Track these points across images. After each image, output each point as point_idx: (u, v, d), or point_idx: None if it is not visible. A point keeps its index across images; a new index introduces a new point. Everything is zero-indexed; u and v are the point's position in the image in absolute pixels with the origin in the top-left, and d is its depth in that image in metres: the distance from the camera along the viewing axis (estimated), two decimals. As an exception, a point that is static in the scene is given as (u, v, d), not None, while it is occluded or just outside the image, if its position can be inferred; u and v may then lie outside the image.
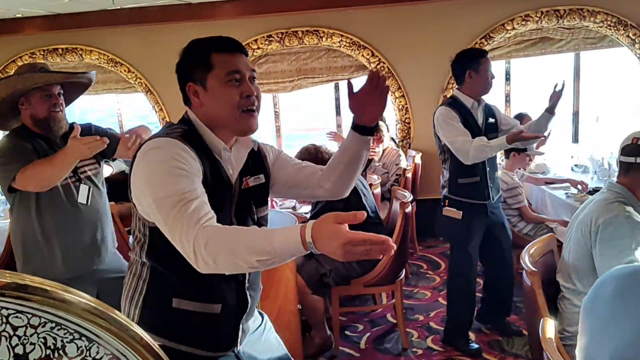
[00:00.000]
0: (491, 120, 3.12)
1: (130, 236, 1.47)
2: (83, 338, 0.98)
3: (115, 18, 5.45)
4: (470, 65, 3.00)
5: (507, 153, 4.03)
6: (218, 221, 1.23)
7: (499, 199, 3.24)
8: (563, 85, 3.02)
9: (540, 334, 1.46)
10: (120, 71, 5.76)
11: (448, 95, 5.26)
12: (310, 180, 1.62)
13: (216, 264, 1.15)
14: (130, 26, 5.56)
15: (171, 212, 1.21)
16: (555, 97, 3.02)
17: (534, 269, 1.93)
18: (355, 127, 1.52)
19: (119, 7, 5.28)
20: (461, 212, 3.05)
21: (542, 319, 1.51)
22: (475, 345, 3.18)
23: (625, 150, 2.01)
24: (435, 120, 3.08)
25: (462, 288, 3.19)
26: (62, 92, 2.31)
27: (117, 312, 1.03)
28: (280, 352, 1.65)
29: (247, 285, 1.46)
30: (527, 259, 2.01)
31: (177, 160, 1.28)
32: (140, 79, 5.70)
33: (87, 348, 0.99)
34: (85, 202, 2.36)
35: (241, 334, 1.49)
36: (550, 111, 3.04)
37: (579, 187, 3.86)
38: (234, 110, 1.36)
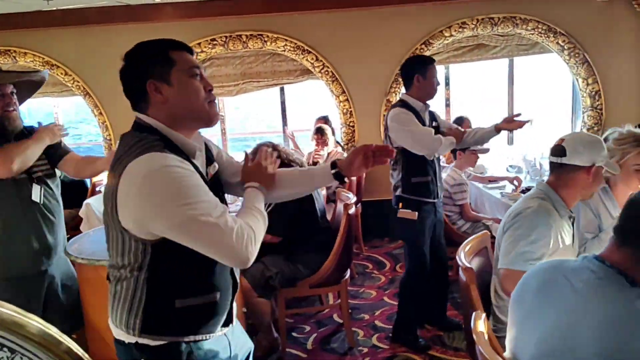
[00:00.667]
0: (434, 124, 3.26)
1: (113, 257, 1.44)
2: (5, 349, 0.96)
3: (51, 19, 5.24)
4: (418, 70, 3.12)
5: (454, 153, 4.18)
6: None
7: (441, 198, 3.37)
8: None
9: (472, 327, 1.53)
10: (57, 74, 5.54)
11: (391, 99, 5.42)
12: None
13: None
14: (66, 28, 5.37)
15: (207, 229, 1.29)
16: (514, 125, 3.18)
17: (468, 265, 2.01)
18: (337, 173, 1.65)
19: (54, 8, 5.09)
20: (416, 212, 3.14)
21: (474, 313, 1.58)
22: (423, 342, 3.26)
23: (553, 151, 2.10)
24: (389, 120, 3.16)
25: (416, 286, 3.27)
26: (14, 91, 2.30)
27: (40, 320, 1.01)
28: (245, 336, 1.74)
29: (233, 268, 1.55)
30: (462, 255, 2.09)
31: (183, 175, 1.31)
32: (78, 82, 5.52)
33: (10, 359, 0.96)
34: (38, 201, 2.37)
35: (234, 310, 1.58)
36: (498, 130, 3.21)
37: (515, 182, 4.15)
38: (202, 102, 1.41)
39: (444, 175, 3.77)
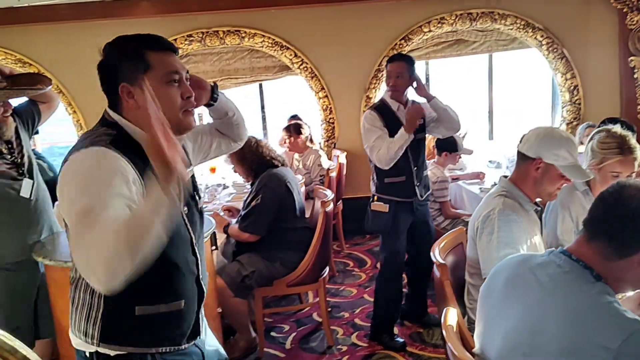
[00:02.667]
0: (419, 121, 3.19)
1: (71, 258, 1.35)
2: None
3: (23, 16, 5.11)
4: (385, 68, 3.11)
5: (440, 152, 4.16)
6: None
7: (428, 197, 3.33)
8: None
9: (442, 322, 1.51)
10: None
11: (370, 96, 5.40)
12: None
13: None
14: (39, 24, 5.24)
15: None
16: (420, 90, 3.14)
17: (442, 261, 1.99)
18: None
19: (26, 5, 4.97)
20: (387, 205, 3.14)
21: (445, 308, 1.56)
22: (401, 340, 3.24)
23: (520, 140, 2.08)
24: (361, 126, 3.18)
25: (390, 283, 3.25)
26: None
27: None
28: (217, 344, 1.69)
29: (200, 276, 1.47)
30: (437, 251, 2.07)
31: (108, 183, 1.15)
32: (51, 80, 5.39)
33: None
34: (27, 197, 2.40)
35: (201, 322, 1.51)
36: (428, 100, 3.15)
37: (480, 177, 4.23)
38: (176, 111, 1.32)
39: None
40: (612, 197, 1.23)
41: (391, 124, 3.08)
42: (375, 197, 3.21)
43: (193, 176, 1.53)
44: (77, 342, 1.37)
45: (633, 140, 2.19)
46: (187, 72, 1.38)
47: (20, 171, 2.41)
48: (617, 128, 2.25)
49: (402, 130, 2.98)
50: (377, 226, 3.28)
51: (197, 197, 1.51)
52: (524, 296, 1.25)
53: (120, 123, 1.32)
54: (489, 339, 1.32)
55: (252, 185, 3.26)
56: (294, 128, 4.93)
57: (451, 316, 1.52)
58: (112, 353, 1.32)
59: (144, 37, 1.34)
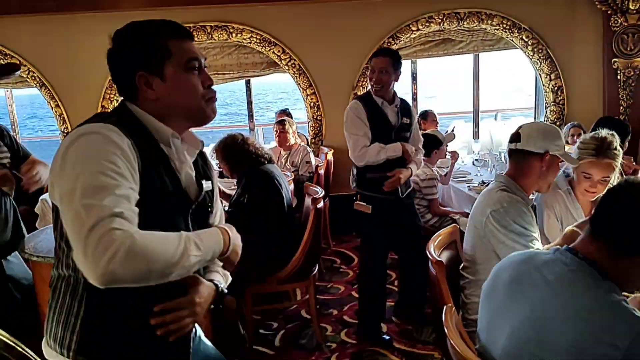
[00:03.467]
0: (405, 120, 3.18)
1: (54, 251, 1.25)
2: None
3: (5, 6, 4.99)
4: (368, 64, 3.09)
5: (429, 152, 4.17)
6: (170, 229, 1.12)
7: (411, 194, 3.33)
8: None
9: (442, 321, 1.50)
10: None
11: (358, 93, 5.40)
12: None
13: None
14: (21, 15, 5.13)
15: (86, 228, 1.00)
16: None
17: (438, 258, 1.99)
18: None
19: (8, -5, 4.86)
20: (370, 206, 3.09)
21: (444, 306, 1.55)
22: (387, 337, 3.25)
23: (510, 138, 2.11)
24: (345, 113, 3.13)
25: (372, 281, 3.25)
26: None
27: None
28: (213, 349, 1.63)
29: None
30: (432, 248, 2.07)
31: (110, 160, 1.08)
32: (34, 72, 5.27)
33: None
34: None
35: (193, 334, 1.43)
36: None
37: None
38: (198, 100, 1.26)
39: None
40: (617, 195, 1.23)
41: (375, 117, 3.06)
42: (359, 196, 3.17)
43: (210, 192, 1.42)
44: (50, 352, 1.23)
45: (614, 146, 2.21)
46: (205, 59, 1.32)
47: None
48: (604, 132, 2.28)
49: (398, 144, 3.01)
50: (359, 227, 3.28)
51: (205, 222, 1.41)
52: (530, 294, 1.25)
53: (133, 110, 1.25)
54: (494, 336, 1.32)
55: (238, 183, 3.24)
56: (281, 121, 4.95)
57: (451, 315, 1.52)
58: None
59: (161, 24, 1.27)
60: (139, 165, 1.15)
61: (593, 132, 2.34)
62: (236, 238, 1.31)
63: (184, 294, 1.25)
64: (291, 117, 5.54)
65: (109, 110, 1.29)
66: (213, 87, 1.31)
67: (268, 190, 3.12)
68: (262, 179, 3.13)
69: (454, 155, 4.36)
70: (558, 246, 1.30)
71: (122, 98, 1.31)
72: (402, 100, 3.21)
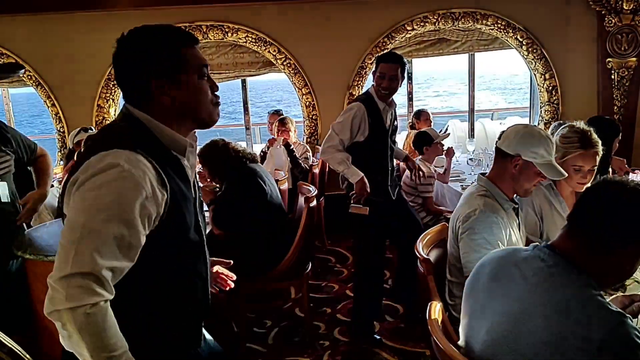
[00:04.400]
0: (396, 123, 3.25)
1: None
2: None
3: (0, 5, 5.00)
4: (376, 67, 3.11)
5: (420, 149, 4.20)
6: (188, 239, 1.26)
7: (400, 194, 3.35)
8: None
9: (427, 317, 1.53)
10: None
11: (354, 92, 5.41)
12: None
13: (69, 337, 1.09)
14: (16, 15, 5.13)
15: (76, 259, 1.08)
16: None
17: (426, 256, 2.01)
18: None
19: (3, -6, 4.87)
20: (367, 208, 3.07)
21: (429, 303, 1.58)
22: (377, 337, 3.26)
23: (499, 137, 2.10)
24: (345, 109, 3.17)
25: (369, 282, 3.27)
26: None
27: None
28: (213, 342, 1.65)
29: (207, 287, 1.44)
30: (420, 246, 2.09)
31: (125, 208, 1.13)
32: (29, 71, 5.28)
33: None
34: (7, 201, 2.37)
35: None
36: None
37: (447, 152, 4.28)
38: (209, 105, 1.31)
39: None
40: (595, 193, 1.25)
41: (375, 121, 3.09)
42: (353, 200, 3.13)
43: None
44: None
45: (594, 135, 2.23)
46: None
47: None
48: (580, 123, 2.29)
49: (360, 178, 3.00)
50: (355, 230, 3.27)
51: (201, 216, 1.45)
52: (508, 290, 1.27)
53: (143, 120, 1.26)
54: (474, 332, 1.34)
55: (220, 185, 3.28)
56: (282, 120, 4.98)
57: (435, 310, 1.54)
58: None
59: (173, 31, 1.29)
60: (166, 188, 1.21)
61: (568, 126, 2.31)
62: None
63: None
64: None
65: (114, 119, 1.30)
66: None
67: (250, 187, 3.14)
68: (243, 177, 3.16)
69: (450, 151, 4.36)
70: (537, 243, 1.32)
71: (125, 102, 1.33)
72: (394, 103, 3.25)
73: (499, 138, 2.07)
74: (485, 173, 2.15)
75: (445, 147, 4.34)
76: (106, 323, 1.09)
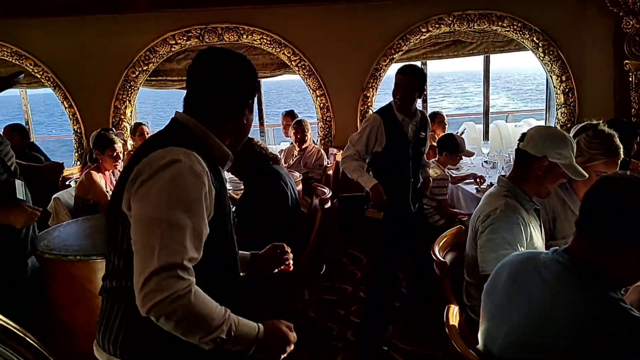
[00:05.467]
0: (422, 134, 3.21)
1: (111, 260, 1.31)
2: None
3: (20, 9, 5.09)
4: (396, 79, 3.10)
5: (441, 151, 4.18)
6: (223, 245, 1.32)
7: (421, 209, 3.34)
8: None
9: (445, 321, 1.52)
10: (26, 65, 5.39)
11: (368, 94, 5.41)
12: None
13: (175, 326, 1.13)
14: (36, 18, 5.22)
15: (159, 259, 1.12)
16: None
17: (442, 259, 2.01)
18: (251, 265, 1.70)
19: (23, -3, 4.95)
20: (382, 212, 3.06)
21: (446, 306, 1.57)
22: (385, 348, 3.21)
23: (519, 137, 2.09)
24: (363, 121, 3.20)
25: (381, 285, 3.25)
26: None
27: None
28: None
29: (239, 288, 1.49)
30: (436, 249, 2.08)
31: (193, 196, 1.20)
32: (48, 73, 5.36)
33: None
34: (23, 198, 2.31)
35: None
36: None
37: (478, 180, 4.15)
38: (248, 130, 1.45)
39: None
40: (596, 194, 1.26)
41: (393, 131, 3.10)
42: (370, 204, 3.11)
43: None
44: (108, 358, 1.30)
45: (618, 141, 2.22)
46: None
47: (10, 171, 2.33)
48: (603, 126, 2.27)
49: (371, 182, 3.02)
50: (371, 233, 3.28)
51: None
52: (528, 294, 1.26)
53: (194, 128, 1.34)
54: (493, 336, 1.34)
55: (244, 184, 3.27)
56: (299, 122, 4.99)
57: (453, 315, 1.53)
58: None
59: (249, 64, 1.41)
60: (215, 187, 1.28)
61: (591, 127, 2.29)
62: (275, 339, 1.35)
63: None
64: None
65: (172, 126, 1.38)
66: None
67: (274, 190, 3.14)
68: (268, 179, 3.16)
69: (480, 179, 4.23)
70: (557, 247, 1.31)
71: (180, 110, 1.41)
72: (421, 114, 3.23)
73: (522, 140, 2.06)
74: (505, 175, 2.15)
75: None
76: (204, 299, 1.15)
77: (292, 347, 1.36)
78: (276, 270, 1.75)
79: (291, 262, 1.78)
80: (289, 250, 1.77)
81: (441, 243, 2.17)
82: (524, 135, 2.06)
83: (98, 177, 3.50)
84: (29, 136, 5.06)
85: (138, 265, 1.12)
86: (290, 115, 5.67)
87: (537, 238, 2.04)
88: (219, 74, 1.36)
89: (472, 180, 4.36)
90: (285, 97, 39.17)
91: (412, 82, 3.06)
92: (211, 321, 1.15)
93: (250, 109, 1.41)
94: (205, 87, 1.35)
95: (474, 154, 4.44)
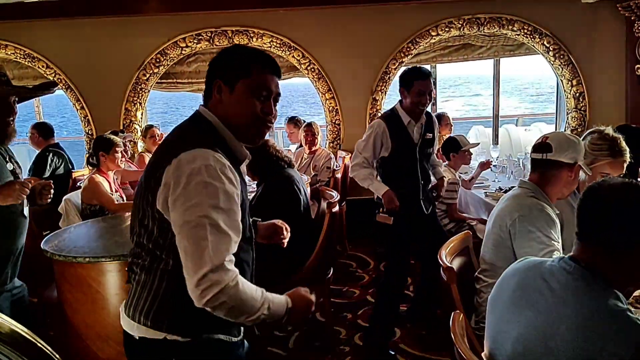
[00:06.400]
0: (429, 135, 3.21)
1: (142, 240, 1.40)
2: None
3: (33, 11, 5.15)
4: (404, 84, 3.09)
5: (447, 155, 4.17)
6: (245, 234, 1.37)
7: (433, 211, 3.34)
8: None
9: (450, 327, 1.52)
10: (38, 66, 5.45)
11: (377, 98, 5.41)
12: None
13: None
14: (48, 20, 5.28)
15: (204, 256, 1.23)
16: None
17: (449, 264, 2.00)
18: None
19: (36, 0, 5.00)
20: (392, 217, 3.07)
21: (453, 312, 1.57)
22: (392, 352, 3.21)
23: (536, 148, 2.13)
24: (368, 127, 3.19)
25: (392, 292, 3.25)
26: (17, 99, 2.24)
27: (11, 320, 0.97)
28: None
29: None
30: (443, 255, 2.08)
31: (230, 195, 1.30)
32: (60, 74, 5.42)
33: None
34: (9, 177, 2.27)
35: None
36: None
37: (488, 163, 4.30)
38: (249, 117, 1.41)
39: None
40: (591, 198, 1.27)
41: (398, 135, 3.10)
42: (381, 209, 3.14)
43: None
44: (141, 329, 1.38)
45: (623, 144, 2.29)
46: (279, 94, 1.48)
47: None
48: (609, 130, 2.34)
49: (383, 188, 3.05)
50: (382, 239, 3.29)
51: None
52: (535, 302, 1.26)
53: (214, 124, 1.41)
54: (499, 344, 1.33)
55: (258, 185, 3.28)
56: (309, 125, 5.02)
57: (459, 321, 1.53)
58: (182, 340, 1.36)
59: (257, 53, 1.46)
60: (239, 185, 1.36)
61: (597, 132, 2.35)
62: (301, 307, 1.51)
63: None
64: (300, 124, 5.61)
65: (185, 123, 1.47)
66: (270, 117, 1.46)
67: (287, 195, 3.15)
68: (282, 183, 3.16)
69: (486, 164, 4.30)
70: (563, 255, 1.31)
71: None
72: (427, 115, 3.23)
73: (544, 150, 2.07)
74: (526, 180, 2.17)
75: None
76: (247, 284, 1.28)
77: (314, 307, 1.54)
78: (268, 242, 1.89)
79: (285, 242, 1.92)
80: (288, 230, 1.91)
81: (448, 248, 2.17)
82: (545, 146, 2.07)
83: (101, 180, 3.53)
84: (50, 135, 4.91)
85: (191, 268, 1.23)
86: (293, 122, 5.69)
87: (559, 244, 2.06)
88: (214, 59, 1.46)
89: (482, 184, 4.34)
90: (297, 100, 39.23)
91: (431, 84, 3.11)
92: (255, 302, 1.28)
93: (252, 94, 1.40)
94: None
95: (478, 144, 4.44)
